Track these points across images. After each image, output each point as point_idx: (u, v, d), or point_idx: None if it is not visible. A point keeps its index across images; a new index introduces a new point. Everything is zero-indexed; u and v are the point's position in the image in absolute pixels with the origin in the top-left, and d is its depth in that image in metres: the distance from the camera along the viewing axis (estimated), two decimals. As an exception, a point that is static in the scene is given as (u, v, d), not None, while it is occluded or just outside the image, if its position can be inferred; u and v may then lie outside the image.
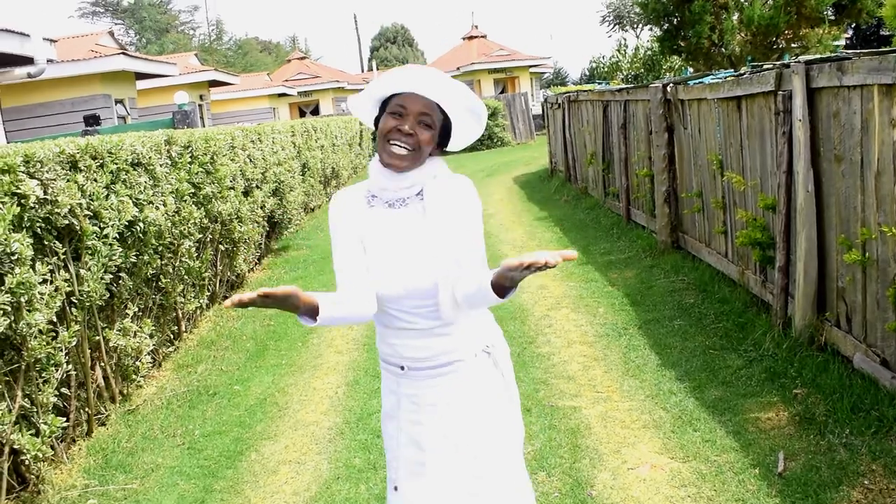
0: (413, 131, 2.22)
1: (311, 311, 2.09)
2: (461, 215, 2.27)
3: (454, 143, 2.39)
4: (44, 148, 4.23)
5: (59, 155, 4.36)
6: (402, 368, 2.38)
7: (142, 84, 18.23)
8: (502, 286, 2.03)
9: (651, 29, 15.42)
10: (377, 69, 45.39)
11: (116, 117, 15.33)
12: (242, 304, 1.87)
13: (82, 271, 4.55)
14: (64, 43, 15.81)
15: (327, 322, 2.13)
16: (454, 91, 2.25)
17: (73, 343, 4.45)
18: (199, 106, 22.13)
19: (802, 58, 5.15)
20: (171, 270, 6.05)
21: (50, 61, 11.39)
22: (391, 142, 2.23)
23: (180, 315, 6.60)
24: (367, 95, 2.32)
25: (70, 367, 4.49)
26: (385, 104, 2.29)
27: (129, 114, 16.27)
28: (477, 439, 2.35)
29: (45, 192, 4.15)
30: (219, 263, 7.70)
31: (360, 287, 2.27)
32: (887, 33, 24.89)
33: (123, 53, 15.30)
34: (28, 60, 10.77)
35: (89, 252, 4.62)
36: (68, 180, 4.42)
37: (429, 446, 2.36)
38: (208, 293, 7.36)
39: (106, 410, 5.16)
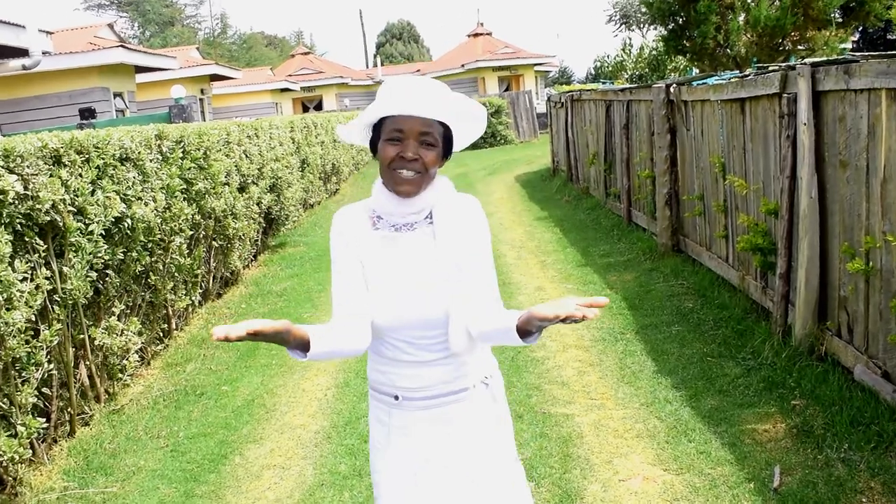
0: (417, 155, 2.08)
1: (303, 346, 1.96)
2: (473, 242, 2.16)
3: (457, 147, 2.26)
4: (25, 142, 4.12)
5: (40, 149, 4.25)
6: (396, 398, 2.22)
7: (142, 77, 18.12)
8: (528, 331, 1.89)
9: (656, 28, 15.27)
10: (381, 65, 45.29)
11: (115, 111, 15.22)
12: (229, 340, 1.75)
13: (65, 269, 4.44)
14: (62, 35, 15.70)
15: (317, 357, 1.99)
16: (451, 103, 2.13)
17: (55, 342, 4.34)
18: (200, 100, 22.04)
19: (808, 60, 5.03)
20: (160, 267, 5.94)
21: (46, 53, 11.27)
22: (396, 170, 2.09)
23: (170, 312, 6.50)
24: (358, 124, 2.18)
25: (52, 366, 4.38)
26: (379, 125, 2.15)
27: (128, 107, 16.16)
28: (472, 468, 2.22)
29: (26, 188, 4.04)
30: (212, 260, 7.59)
31: (357, 318, 2.12)
32: (894, 37, 24.75)
33: (122, 46, 15.18)
34: (23, 52, 10.65)
35: (73, 249, 4.51)
36: (51, 175, 4.31)
37: (420, 471, 2.23)
38: (201, 290, 7.25)
39: (90, 410, 5.06)
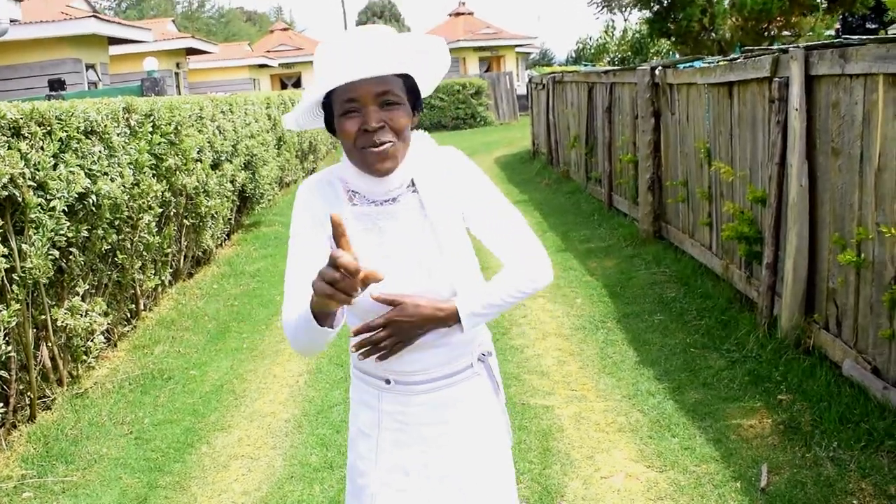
0: (382, 121, 1.76)
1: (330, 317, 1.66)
2: (474, 194, 1.92)
3: (425, 92, 1.94)
4: (-20, 112, 3.90)
5: (-3, 120, 4.02)
6: (388, 382, 1.95)
7: (115, 49, 17.74)
8: None
9: (640, 10, 15.09)
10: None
11: (87, 83, 14.87)
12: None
13: (25, 246, 4.23)
14: (32, 3, 15.29)
15: (332, 335, 1.71)
16: (400, 48, 1.79)
17: (14, 323, 4.13)
18: (176, 74, 21.65)
19: (801, 43, 4.88)
20: (128, 246, 5.72)
21: (14, 21, 10.94)
22: (364, 148, 1.78)
23: (139, 293, 6.28)
24: (304, 107, 1.86)
25: (10, 348, 4.17)
26: (329, 100, 1.83)
27: (101, 80, 15.80)
28: (468, 471, 1.99)
29: (-19, 161, 3.82)
30: (183, 239, 7.37)
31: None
32: (874, 26, 24.75)
33: (95, 17, 14.83)
34: (-10, 20, 10.35)
35: (33, 226, 4.29)
36: (9, 148, 4.08)
37: (414, 471, 1.97)
38: (171, 270, 7.03)
39: (52, 394, 4.86)
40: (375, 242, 1.87)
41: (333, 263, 1.41)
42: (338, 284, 1.42)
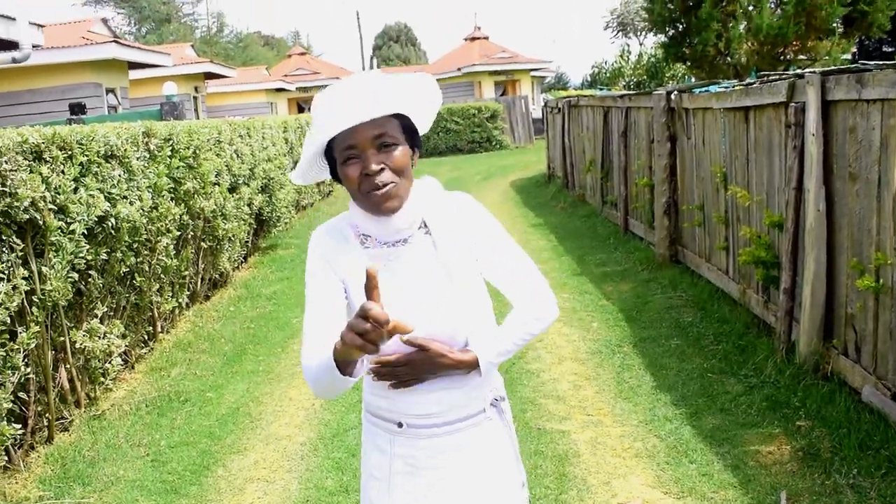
0: (382, 164, 1.81)
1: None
2: (485, 236, 1.95)
3: (422, 129, 1.97)
4: (3, 136, 3.95)
5: (20, 144, 4.07)
6: (400, 426, 1.96)
7: (135, 74, 17.93)
8: None
9: (656, 35, 15.13)
10: (378, 67, 45.12)
11: (107, 107, 15.01)
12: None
13: (45, 269, 4.27)
14: (54, 29, 15.50)
15: (352, 382, 1.74)
16: (391, 90, 1.84)
17: (33, 345, 4.16)
18: (194, 98, 21.85)
19: (818, 68, 4.88)
20: (146, 269, 5.76)
21: (37, 47, 11.09)
22: (368, 193, 1.82)
23: (156, 315, 6.32)
24: (307, 161, 1.91)
25: (29, 370, 4.20)
26: (331, 150, 1.88)
27: (121, 104, 15.96)
28: None
29: (4, 184, 3.86)
30: (201, 262, 7.41)
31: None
32: (891, 50, 24.71)
33: (115, 42, 14.99)
34: (13, 45, 10.46)
35: (53, 248, 4.34)
36: (31, 172, 4.13)
37: None
38: (188, 292, 7.07)
39: (69, 415, 4.88)
40: (389, 281, 1.85)
41: (364, 315, 1.44)
42: (367, 335, 1.45)
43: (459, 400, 1.95)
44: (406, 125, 1.88)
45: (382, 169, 1.81)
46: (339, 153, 1.84)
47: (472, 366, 1.90)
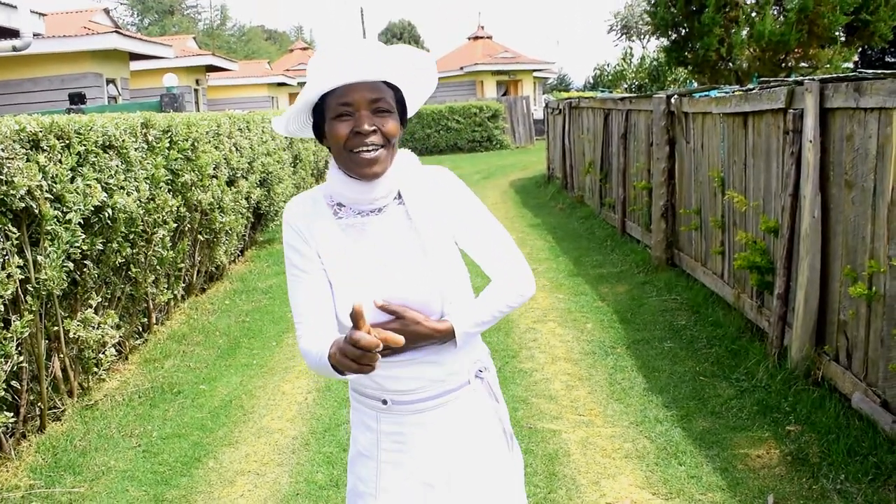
0: (374, 126, 1.80)
1: None
2: (461, 209, 1.94)
3: (412, 110, 1.99)
4: (1, 125, 3.95)
5: (17, 133, 4.07)
6: (385, 402, 1.95)
7: (137, 65, 17.92)
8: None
9: (658, 38, 15.15)
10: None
11: (107, 97, 15.01)
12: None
13: (40, 258, 4.27)
14: (56, 18, 15.50)
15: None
16: (394, 58, 1.83)
17: (27, 333, 4.16)
18: (195, 91, 21.83)
19: (817, 76, 4.89)
20: (142, 260, 5.77)
21: (37, 35, 11.09)
22: (355, 150, 1.80)
23: (151, 306, 6.32)
24: (295, 109, 1.88)
25: (22, 358, 4.21)
26: (321, 106, 1.86)
27: (121, 94, 15.95)
28: (472, 488, 1.98)
29: (0, 172, 3.87)
30: (197, 254, 7.42)
31: (327, 333, 1.83)
32: (892, 60, 24.74)
33: (117, 32, 14.97)
34: (14, 33, 10.46)
35: (49, 237, 4.34)
36: (28, 160, 4.13)
37: (414, 493, 1.97)
38: (184, 284, 7.08)
39: (62, 405, 4.89)
40: (359, 253, 1.88)
41: (355, 345, 1.46)
42: (361, 360, 1.47)
43: (441, 373, 1.94)
44: (399, 99, 1.90)
45: (374, 131, 1.80)
46: (331, 108, 1.82)
47: (449, 335, 1.88)
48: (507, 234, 2.01)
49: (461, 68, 37.06)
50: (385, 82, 1.85)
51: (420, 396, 1.94)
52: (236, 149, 8.42)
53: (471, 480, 1.98)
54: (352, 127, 1.80)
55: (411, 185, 1.93)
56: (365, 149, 1.80)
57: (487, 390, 2.04)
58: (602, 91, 23.40)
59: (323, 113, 1.86)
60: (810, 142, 4.55)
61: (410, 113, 1.98)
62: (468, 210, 1.96)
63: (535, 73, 40.02)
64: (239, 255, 9.49)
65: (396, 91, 1.89)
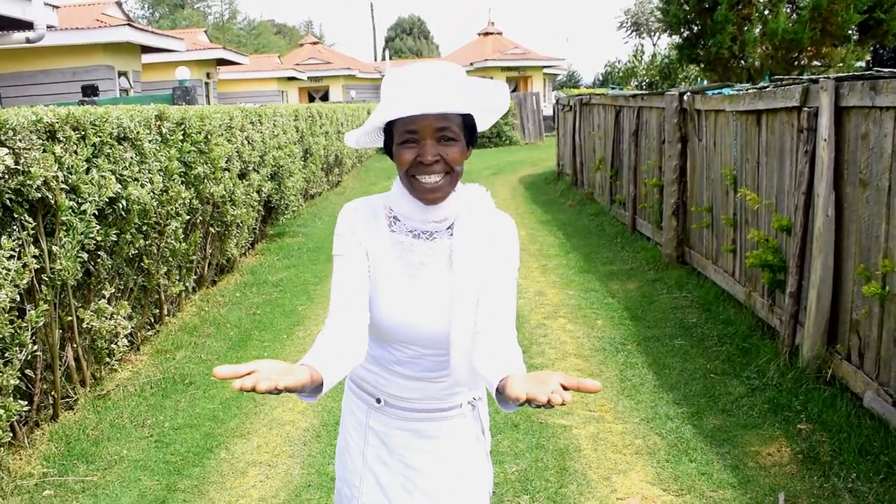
0: (437, 156, 1.80)
1: (316, 388, 1.62)
2: (498, 270, 1.91)
3: (481, 129, 1.98)
4: (18, 115, 3.97)
5: (34, 123, 4.09)
6: (379, 401, 2.03)
7: (148, 58, 17.96)
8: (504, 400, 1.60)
9: (670, 36, 15.11)
10: (390, 59, 45.11)
11: (119, 89, 15.05)
12: (243, 389, 1.39)
13: (55, 248, 4.29)
14: (69, 10, 15.55)
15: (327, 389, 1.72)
16: (466, 90, 1.83)
17: (41, 323, 4.19)
18: (206, 84, 21.88)
19: (832, 74, 4.88)
20: (155, 251, 5.79)
21: (51, 27, 11.11)
22: (417, 177, 1.83)
23: (163, 298, 6.35)
24: (366, 129, 1.92)
25: (36, 347, 4.24)
26: (390, 124, 1.87)
27: (133, 87, 16.00)
28: (444, 501, 2.05)
29: (17, 162, 3.89)
30: (208, 246, 7.44)
31: (357, 328, 1.85)
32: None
33: (129, 25, 15.02)
34: (28, 25, 10.50)
35: (64, 228, 4.36)
36: (44, 151, 4.16)
37: (393, 494, 2.04)
38: (195, 276, 7.10)
39: (75, 394, 4.91)
40: (399, 271, 1.92)
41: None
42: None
43: (439, 392, 2.00)
44: (468, 122, 1.89)
45: (437, 160, 1.81)
46: (398, 132, 1.83)
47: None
48: (514, 311, 1.94)
49: (471, 64, 37.05)
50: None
51: (413, 406, 2.01)
52: (248, 142, 8.44)
53: (446, 494, 2.04)
54: (416, 154, 1.81)
55: (467, 223, 1.92)
56: (427, 177, 1.82)
57: (476, 418, 2.10)
58: (612, 88, 23.38)
59: (392, 133, 1.87)
60: (825, 140, 4.54)
61: (481, 129, 1.97)
62: (502, 274, 1.92)
63: (545, 70, 39.97)
64: (249, 248, 9.52)
65: (467, 116, 1.88)
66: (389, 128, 1.88)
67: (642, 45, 29.27)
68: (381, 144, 1.96)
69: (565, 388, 1.41)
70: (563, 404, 1.35)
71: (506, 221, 1.97)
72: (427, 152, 1.80)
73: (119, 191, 4.89)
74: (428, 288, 1.90)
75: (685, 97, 7.71)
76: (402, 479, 2.03)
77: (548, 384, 1.41)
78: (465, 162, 1.88)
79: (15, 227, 3.98)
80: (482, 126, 1.97)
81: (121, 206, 4.95)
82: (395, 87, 1.82)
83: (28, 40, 10.71)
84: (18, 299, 4.01)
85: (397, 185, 1.93)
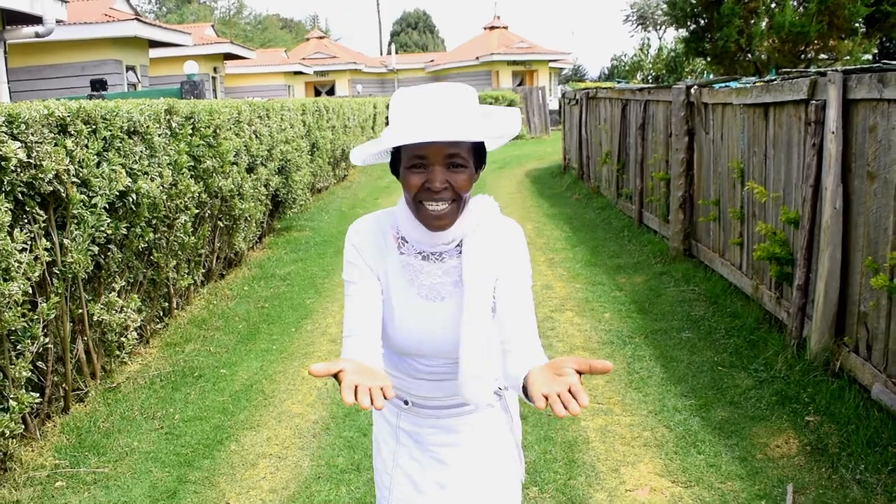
0: (446, 183, 1.77)
1: None
2: (509, 281, 1.90)
3: (490, 149, 1.95)
4: (30, 109, 3.99)
5: (46, 117, 4.12)
6: (406, 403, 2.07)
7: (155, 53, 18.00)
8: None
9: (677, 29, 15.09)
10: (396, 53, 45.08)
11: (126, 84, 15.10)
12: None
13: (66, 241, 4.32)
14: (77, 5, 15.57)
15: None
16: (477, 117, 1.80)
17: (53, 315, 4.22)
18: (213, 78, 21.90)
19: (839, 67, 4.88)
20: (164, 244, 5.82)
21: (60, 22, 11.15)
22: (424, 203, 1.80)
23: (172, 291, 6.38)
24: (373, 149, 1.89)
25: (48, 340, 4.27)
26: (397, 146, 1.83)
27: (140, 81, 16.03)
28: (477, 494, 2.07)
29: (29, 156, 3.92)
30: (217, 240, 7.47)
31: (370, 347, 1.83)
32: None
33: (137, 19, 15.05)
34: (37, 20, 10.54)
35: (75, 221, 4.39)
36: (56, 144, 4.18)
37: (426, 489, 2.07)
38: (204, 270, 7.14)
39: (85, 387, 4.95)
40: (410, 292, 1.92)
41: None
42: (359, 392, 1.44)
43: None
44: (477, 147, 1.86)
45: (446, 188, 1.78)
46: (406, 156, 1.80)
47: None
48: (534, 318, 1.94)
49: (477, 58, 37.02)
50: None
51: (440, 404, 2.05)
52: (256, 136, 8.47)
53: (478, 485, 2.08)
54: (424, 180, 1.78)
55: (475, 240, 1.91)
56: (434, 205, 1.79)
57: (504, 406, 2.13)
58: (618, 82, 23.35)
59: (399, 153, 1.85)
60: (833, 133, 4.54)
61: (490, 149, 1.94)
62: (518, 276, 1.93)
63: (551, 64, 39.91)
64: (257, 242, 9.55)
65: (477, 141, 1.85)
66: (397, 149, 1.85)
67: (648, 39, 29.22)
68: (387, 160, 1.94)
69: (579, 373, 1.44)
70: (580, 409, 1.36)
71: (512, 229, 1.97)
72: (436, 178, 1.77)
73: (129, 184, 4.92)
74: (440, 308, 1.92)
75: (692, 90, 7.71)
76: (434, 474, 2.07)
77: (563, 375, 1.44)
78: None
79: (27, 221, 4.01)
80: (491, 147, 1.95)
81: (131, 200, 4.98)
82: (406, 110, 1.77)
83: (37, 35, 10.75)
84: (30, 292, 4.04)
85: (403, 207, 1.91)
